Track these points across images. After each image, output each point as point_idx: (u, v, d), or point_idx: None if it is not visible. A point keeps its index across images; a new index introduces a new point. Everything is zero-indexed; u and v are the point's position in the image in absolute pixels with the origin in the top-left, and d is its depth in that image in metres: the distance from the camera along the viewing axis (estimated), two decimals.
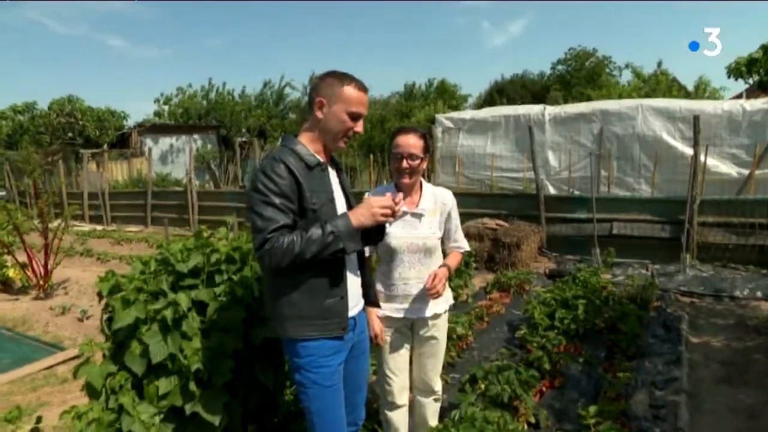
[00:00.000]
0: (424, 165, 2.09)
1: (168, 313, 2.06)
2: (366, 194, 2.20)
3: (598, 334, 4.12)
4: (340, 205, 1.76)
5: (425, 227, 2.13)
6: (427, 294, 2.05)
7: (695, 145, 6.91)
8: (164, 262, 2.32)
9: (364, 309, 1.95)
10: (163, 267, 2.32)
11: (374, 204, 1.61)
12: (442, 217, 2.17)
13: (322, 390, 1.69)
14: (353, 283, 1.82)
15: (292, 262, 1.55)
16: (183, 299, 2.11)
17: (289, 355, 1.74)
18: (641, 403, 3.01)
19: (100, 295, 2.20)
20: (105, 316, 2.23)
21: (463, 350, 3.92)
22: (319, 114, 1.68)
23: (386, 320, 2.16)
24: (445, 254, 2.28)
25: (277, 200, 1.56)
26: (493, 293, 5.65)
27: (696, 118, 6.92)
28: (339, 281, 1.71)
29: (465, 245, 2.30)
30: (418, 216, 2.12)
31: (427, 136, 2.11)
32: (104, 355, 2.17)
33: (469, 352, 3.94)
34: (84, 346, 2.14)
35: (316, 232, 1.56)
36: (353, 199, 1.86)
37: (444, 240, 2.25)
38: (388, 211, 1.62)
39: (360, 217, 1.61)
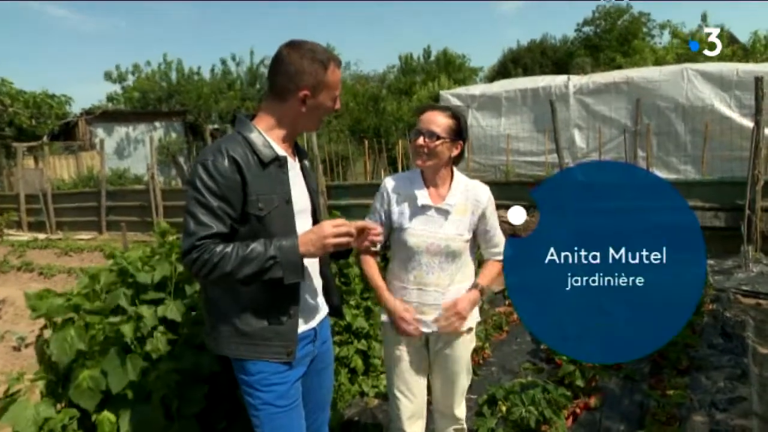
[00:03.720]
0: (453, 150, 2.09)
1: (127, 331, 2.03)
2: (384, 181, 2.21)
3: None
4: (301, 206, 1.75)
5: (451, 227, 2.10)
6: (438, 323, 2.07)
7: (757, 113, 6.77)
8: (122, 273, 2.31)
9: (328, 316, 1.93)
10: (120, 279, 2.31)
11: (327, 232, 1.61)
12: (474, 216, 2.15)
13: (276, 412, 1.68)
14: (313, 290, 1.80)
15: (220, 279, 1.55)
16: (147, 313, 2.11)
17: (236, 371, 1.73)
18: (700, 427, 2.91)
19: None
20: (40, 342, 2.16)
21: (480, 365, 3.85)
22: (302, 108, 1.65)
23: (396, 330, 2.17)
24: (480, 263, 2.25)
25: (214, 203, 1.55)
26: None
27: (759, 80, 6.77)
28: (290, 296, 1.68)
29: None
30: (444, 213, 2.11)
31: (462, 119, 2.12)
32: (43, 392, 2.11)
33: (486, 367, 3.87)
34: (13, 381, 2.03)
35: (257, 249, 1.55)
36: (318, 197, 1.85)
37: (480, 246, 2.22)
38: (343, 240, 1.62)
39: (309, 245, 1.61)
